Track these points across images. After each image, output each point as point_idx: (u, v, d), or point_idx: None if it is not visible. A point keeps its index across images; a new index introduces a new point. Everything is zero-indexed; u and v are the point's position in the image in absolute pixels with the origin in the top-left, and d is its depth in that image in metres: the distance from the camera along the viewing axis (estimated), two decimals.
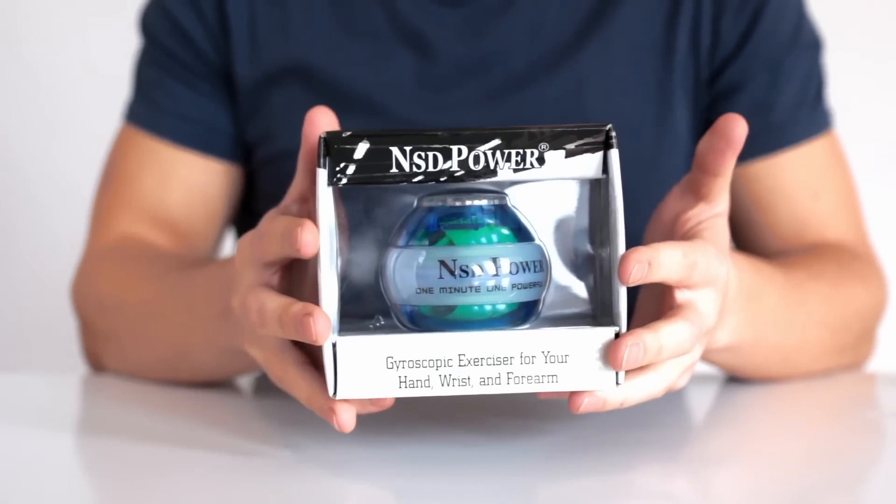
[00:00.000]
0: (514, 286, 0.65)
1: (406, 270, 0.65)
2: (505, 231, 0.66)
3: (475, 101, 0.97)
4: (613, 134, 0.65)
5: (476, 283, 0.64)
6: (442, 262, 0.64)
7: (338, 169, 0.65)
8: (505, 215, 0.67)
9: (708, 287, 0.67)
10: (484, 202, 0.66)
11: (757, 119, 0.98)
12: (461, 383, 0.64)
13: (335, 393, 0.63)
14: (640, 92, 0.98)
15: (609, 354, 0.63)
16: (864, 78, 1.67)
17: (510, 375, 0.64)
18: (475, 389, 0.64)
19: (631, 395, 0.65)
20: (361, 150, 0.64)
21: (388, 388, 0.63)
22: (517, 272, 0.65)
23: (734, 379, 0.92)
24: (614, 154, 0.65)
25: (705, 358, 0.81)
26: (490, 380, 0.64)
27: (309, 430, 0.75)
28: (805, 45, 1.00)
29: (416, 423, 0.77)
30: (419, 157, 0.64)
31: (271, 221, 0.66)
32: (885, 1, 1.69)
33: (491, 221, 0.66)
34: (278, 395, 0.87)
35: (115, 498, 0.66)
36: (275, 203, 0.75)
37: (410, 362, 0.64)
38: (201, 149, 1.00)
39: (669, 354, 0.64)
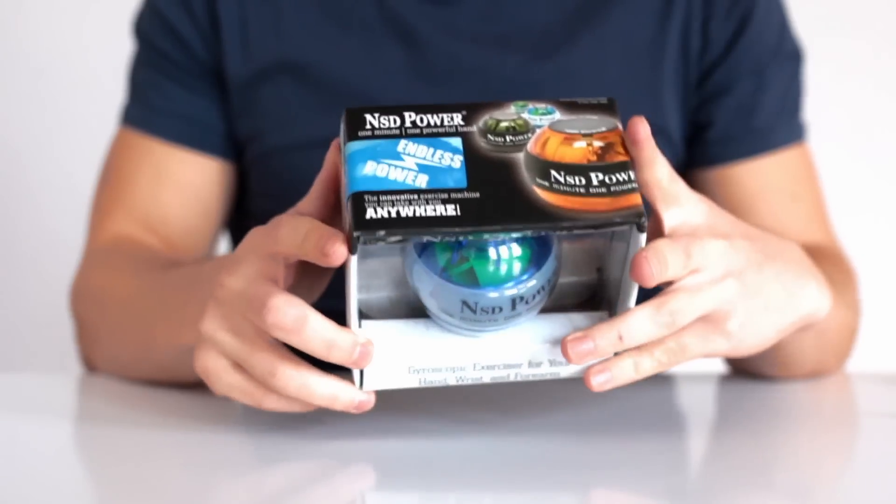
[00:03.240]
0: (529, 310, 0.65)
1: (426, 287, 0.65)
2: (527, 250, 0.64)
3: (467, 96, 0.97)
4: (645, 222, 0.64)
5: (496, 317, 0.64)
6: (464, 302, 0.64)
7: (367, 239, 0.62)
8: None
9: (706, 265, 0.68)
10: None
11: (740, 122, 1.00)
12: (473, 380, 0.66)
13: (362, 386, 0.66)
14: (632, 92, 0.99)
15: (561, 348, 0.65)
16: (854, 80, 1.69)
17: (518, 374, 0.66)
18: (485, 383, 0.66)
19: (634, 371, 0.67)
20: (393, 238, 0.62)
21: (407, 383, 0.65)
22: (534, 299, 0.65)
23: (732, 378, 0.92)
24: (642, 237, 0.64)
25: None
26: (499, 377, 0.66)
27: (299, 424, 0.75)
28: (788, 55, 1.02)
29: (414, 419, 0.77)
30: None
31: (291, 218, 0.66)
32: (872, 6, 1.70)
33: (513, 239, 0.64)
34: None
35: (111, 494, 0.66)
36: (267, 201, 0.75)
37: (430, 369, 0.65)
38: (195, 146, 1.00)
39: (634, 342, 0.66)
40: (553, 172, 0.62)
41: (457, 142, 0.63)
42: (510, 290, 0.64)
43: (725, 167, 1.00)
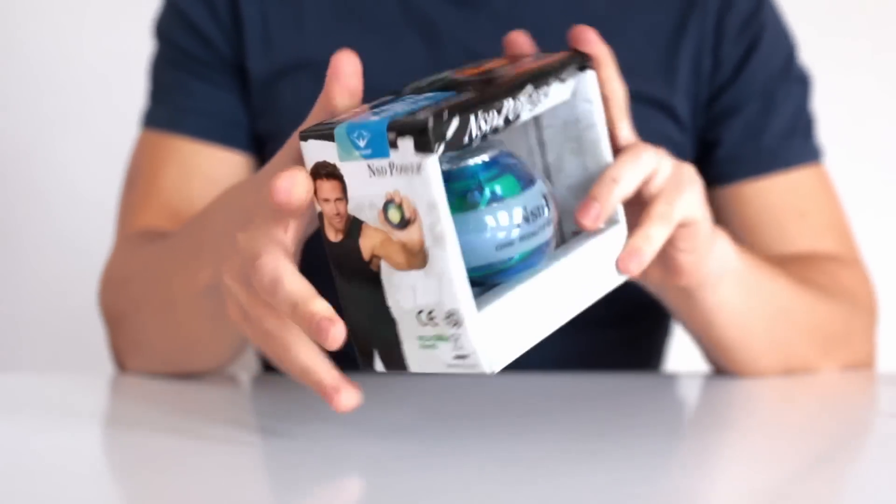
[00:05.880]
0: (522, 238, 0.65)
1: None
2: (506, 183, 0.65)
3: None
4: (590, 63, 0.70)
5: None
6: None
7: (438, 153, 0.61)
8: (503, 165, 0.65)
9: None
10: (483, 158, 0.65)
11: (749, 142, 1.01)
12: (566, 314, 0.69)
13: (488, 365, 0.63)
14: (644, 109, 0.99)
15: (581, 214, 0.68)
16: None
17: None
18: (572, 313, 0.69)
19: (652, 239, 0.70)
20: (452, 126, 0.61)
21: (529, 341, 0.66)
22: (522, 223, 0.65)
23: (733, 378, 0.92)
24: (591, 75, 0.71)
25: (719, 297, 0.84)
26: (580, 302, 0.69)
27: (313, 423, 0.76)
28: (796, 79, 1.04)
29: (414, 417, 0.78)
30: (483, 120, 0.63)
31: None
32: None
33: (491, 176, 0.64)
34: (282, 391, 0.87)
35: (134, 490, 0.67)
36: None
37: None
38: (221, 141, 1.00)
39: (626, 180, 0.70)
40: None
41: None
42: (491, 210, 0.64)
43: (734, 186, 1.01)
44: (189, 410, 0.81)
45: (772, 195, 1.01)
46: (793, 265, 0.95)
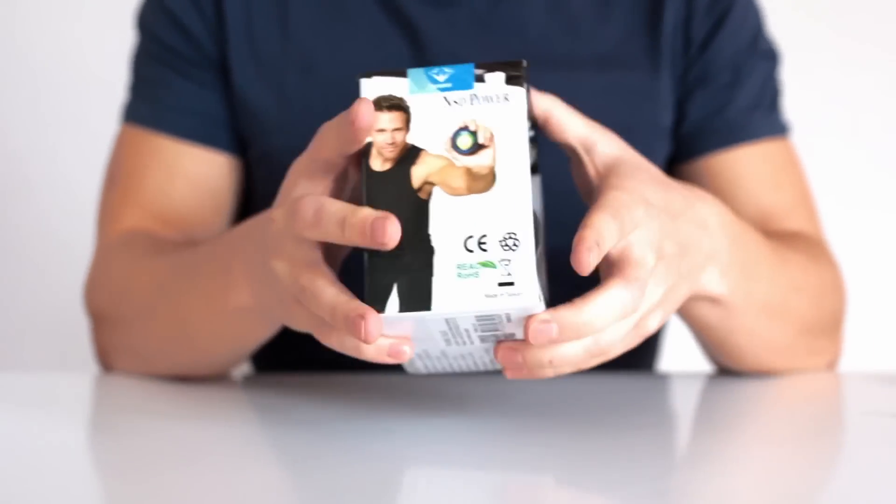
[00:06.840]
0: None
1: None
2: None
3: None
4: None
5: None
6: None
7: None
8: None
9: (635, 231, 0.67)
10: None
11: (714, 116, 1.02)
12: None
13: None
14: (632, 98, 1.00)
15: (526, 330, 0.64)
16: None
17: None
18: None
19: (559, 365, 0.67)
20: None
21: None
22: None
23: (725, 373, 0.92)
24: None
25: (694, 314, 0.83)
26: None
27: (308, 422, 0.76)
28: (763, 54, 1.04)
29: (411, 416, 0.78)
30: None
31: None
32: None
33: None
34: (275, 391, 0.87)
35: (122, 491, 0.66)
36: (272, 202, 0.75)
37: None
38: (205, 142, 1.00)
39: (607, 322, 0.65)
40: None
41: None
42: None
43: (702, 159, 1.01)
44: (183, 410, 0.81)
45: (742, 166, 1.01)
46: (780, 238, 0.93)
